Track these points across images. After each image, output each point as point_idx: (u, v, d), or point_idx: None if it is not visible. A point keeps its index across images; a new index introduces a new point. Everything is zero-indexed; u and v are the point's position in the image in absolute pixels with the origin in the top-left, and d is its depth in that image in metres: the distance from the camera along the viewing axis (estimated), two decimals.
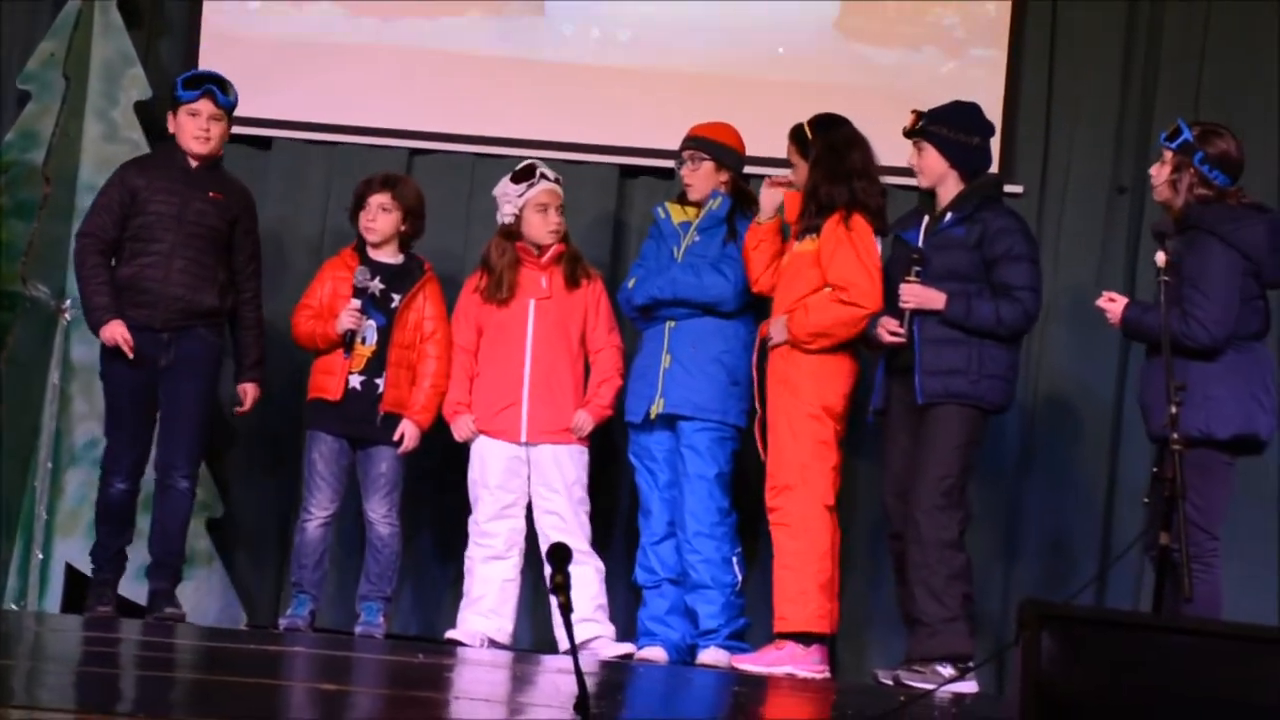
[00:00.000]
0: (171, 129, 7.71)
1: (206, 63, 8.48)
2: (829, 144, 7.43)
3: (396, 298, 7.82)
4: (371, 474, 7.79)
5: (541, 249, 7.77)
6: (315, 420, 7.81)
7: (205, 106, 7.64)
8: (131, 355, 7.47)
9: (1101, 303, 6.93)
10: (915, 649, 7.03)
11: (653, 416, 7.66)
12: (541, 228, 7.75)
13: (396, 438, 7.77)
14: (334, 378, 7.75)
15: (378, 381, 7.76)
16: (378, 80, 8.60)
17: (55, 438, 8.20)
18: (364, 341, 7.78)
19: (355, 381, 7.76)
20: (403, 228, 7.87)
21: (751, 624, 7.69)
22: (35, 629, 6.96)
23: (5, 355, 8.06)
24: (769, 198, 7.55)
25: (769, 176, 7.68)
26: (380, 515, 7.78)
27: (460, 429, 7.78)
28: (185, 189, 7.62)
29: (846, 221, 7.33)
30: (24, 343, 8.15)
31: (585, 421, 7.73)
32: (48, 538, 8.10)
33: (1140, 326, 6.76)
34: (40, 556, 8.12)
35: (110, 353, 7.56)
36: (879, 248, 7.37)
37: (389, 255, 7.88)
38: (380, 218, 7.83)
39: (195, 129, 7.64)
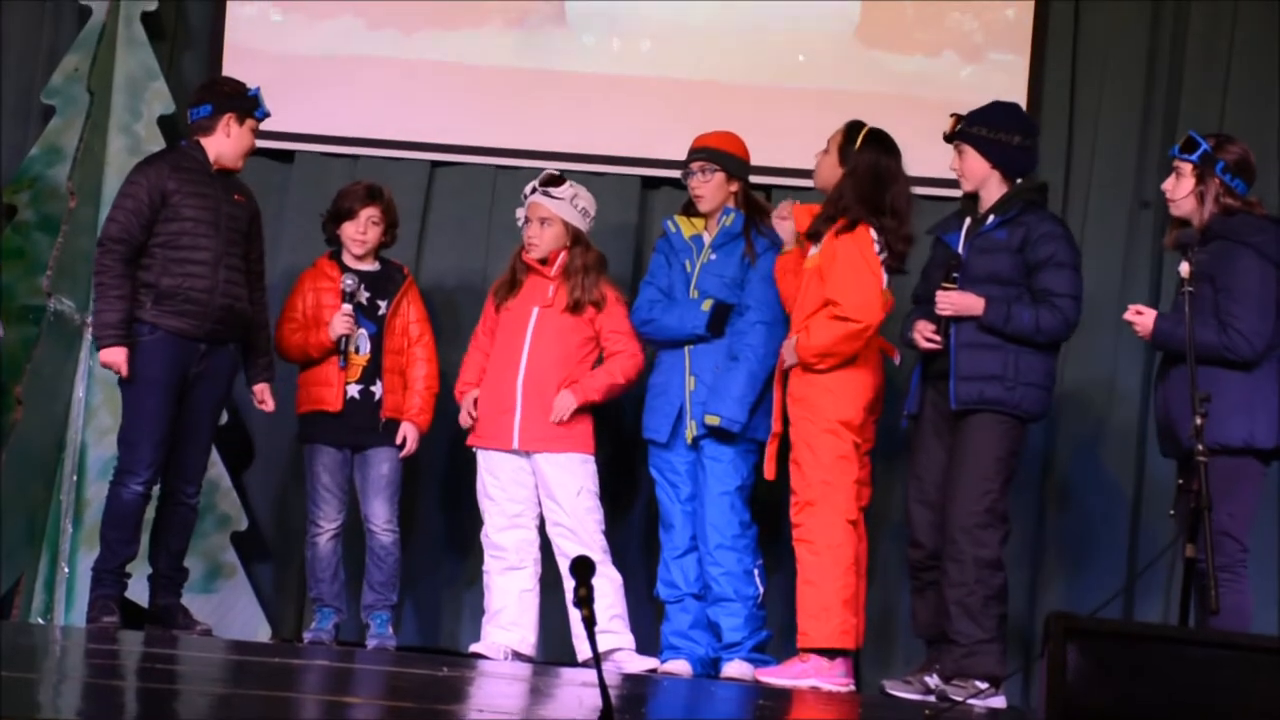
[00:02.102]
0: (221, 131, 7.57)
1: (229, 75, 8.46)
2: (873, 166, 7.31)
3: (383, 304, 7.87)
4: (372, 477, 7.83)
5: (546, 260, 7.77)
6: (315, 433, 7.85)
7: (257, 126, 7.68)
8: (125, 377, 7.43)
9: (1129, 316, 6.87)
10: (949, 667, 6.98)
11: (689, 441, 7.65)
12: (525, 240, 7.79)
13: (399, 441, 7.80)
14: (331, 389, 7.79)
15: (374, 389, 7.81)
16: (399, 92, 8.61)
17: (80, 451, 8.21)
18: (358, 350, 7.82)
19: (354, 391, 7.81)
20: (384, 239, 7.94)
21: (773, 636, 7.69)
22: (62, 643, 6.98)
23: (30, 368, 8.07)
24: (785, 230, 7.49)
25: (774, 209, 7.60)
26: (382, 521, 7.81)
27: (464, 408, 7.80)
28: (216, 192, 7.57)
29: (846, 231, 7.24)
30: (48, 356, 8.16)
31: (566, 401, 7.65)
32: (73, 552, 8.11)
33: (1173, 340, 6.67)
34: (66, 571, 8.13)
35: (147, 351, 7.43)
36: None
37: (369, 264, 7.96)
38: (371, 230, 7.90)
39: (250, 145, 7.65)
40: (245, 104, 7.61)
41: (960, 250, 7.10)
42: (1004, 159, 7.13)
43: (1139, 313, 6.84)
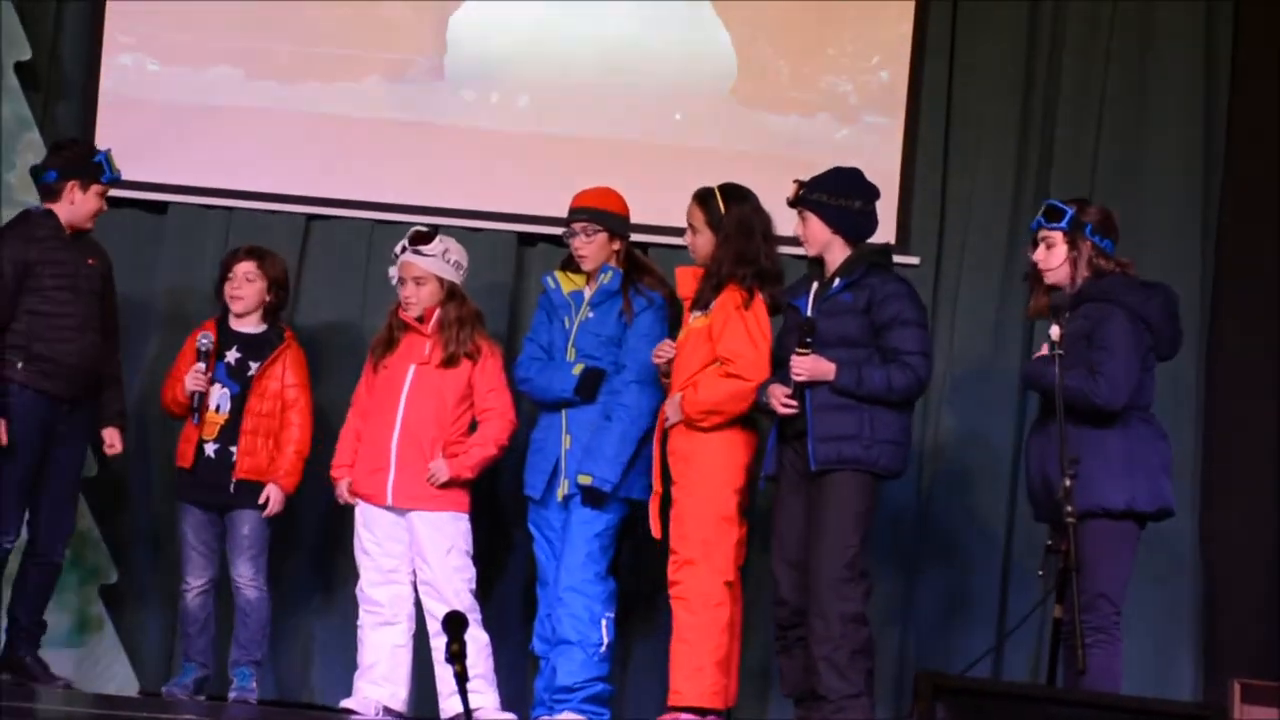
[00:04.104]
0: (67, 198, 7.63)
1: (104, 126, 8.45)
2: (740, 221, 7.42)
3: (254, 365, 7.85)
4: (235, 537, 7.82)
5: (422, 317, 7.77)
6: (180, 490, 7.88)
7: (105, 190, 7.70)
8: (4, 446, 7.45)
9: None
10: None
11: (560, 498, 7.65)
12: (402, 299, 7.78)
13: (261, 500, 7.79)
14: (189, 445, 7.81)
15: (232, 449, 7.79)
16: (276, 144, 8.58)
17: None
18: (217, 410, 7.82)
19: (209, 450, 7.81)
20: (267, 298, 7.91)
21: (615, 691, 7.67)
22: None
23: None
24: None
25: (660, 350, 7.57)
26: (247, 579, 7.80)
27: (339, 492, 7.81)
28: (73, 257, 7.64)
29: (739, 296, 7.33)
30: None
31: (440, 469, 7.64)
32: None
33: (1042, 380, 6.76)
34: None
35: (16, 411, 7.47)
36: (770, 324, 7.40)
37: (251, 325, 7.94)
38: (245, 286, 7.88)
39: (98, 208, 7.68)
40: (90, 170, 7.66)
41: (809, 314, 7.16)
42: (844, 224, 7.21)
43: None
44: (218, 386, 7.82)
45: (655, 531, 7.49)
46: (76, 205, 7.65)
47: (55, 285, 7.56)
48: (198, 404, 7.77)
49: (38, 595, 7.62)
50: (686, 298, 7.53)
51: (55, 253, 7.59)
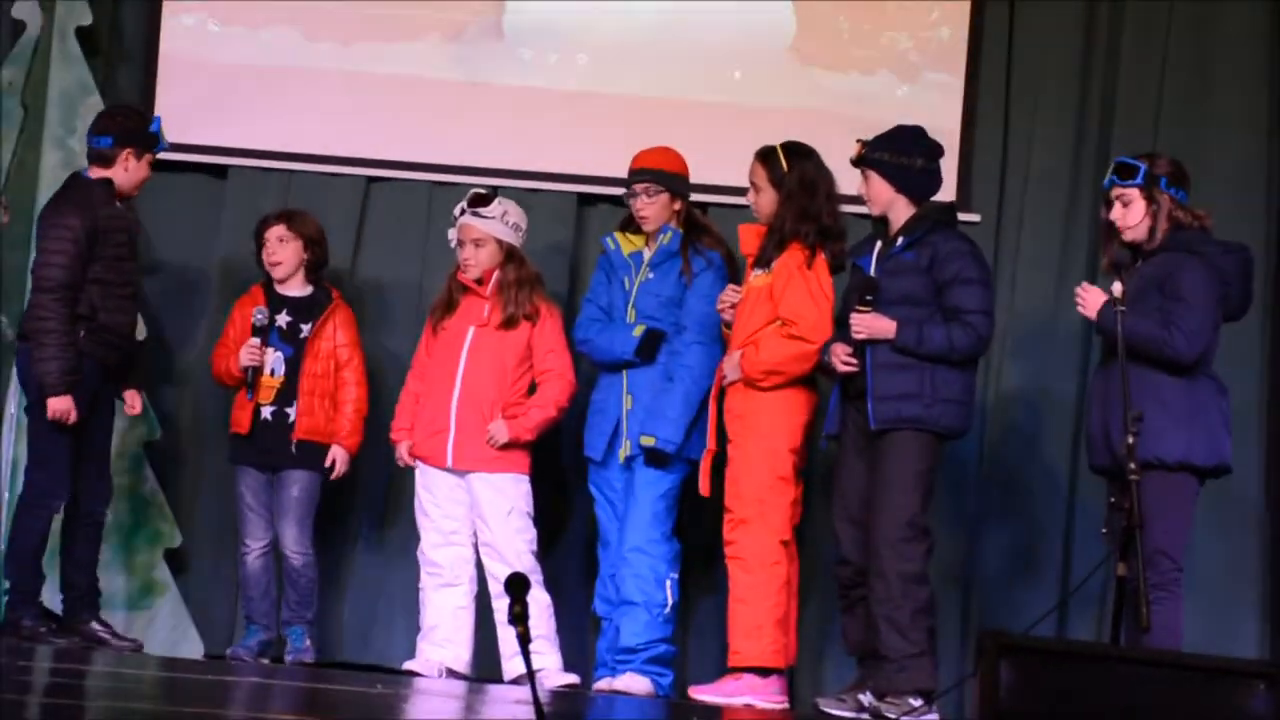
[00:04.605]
0: (120, 165, 7.64)
1: (164, 90, 8.47)
2: (802, 178, 7.40)
3: (305, 328, 7.90)
4: (282, 498, 7.88)
5: (481, 279, 7.77)
6: (235, 455, 7.96)
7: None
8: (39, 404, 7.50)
9: (1079, 290, 6.91)
10: (882, 683, 6.99)
11: (621, 460, 7.66)
12: (460, 262, 7.79)
13: (328, 463, 7.85)
14: (244, 411, 7.87)
15: (288, 411, 7.85)
16: (335, 106, 8.57)
17: (12, 467, 8.15)
18: (272, 373, 7.87)
19: (266, 413, 7.87)
20: (305, 255, 7.93)
21: (678, 652, 7.68)
22: None
23: None
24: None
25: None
26: (290, 542, 7.86)
27: (399, 454, 7.83)
28: (129, 225, 7.70)
29: (802, 255, 7.33)
30: None
31: (500, 431, 7.66)
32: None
33: (1113, 327, 6.65)
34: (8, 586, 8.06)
35: (65, 378, 7.47)
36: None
37: (296, 287, 7.98)
38: (279, 250, 7.93)
39: (146, 176, 7.72)
40: (146, 140, 7.68)
41: (872, 273, 7.14)
42: (907, 183, 7.19)
43: (1086, 289, 6.88)
44: (271, 351, 7.86)
45: (704, 489, 7.49)
46: (130, 173, 7.67)
47: (116, 254, 7.60)
48: (252, 379, 7.82)
49: (88, 557, 7.67)
50: (750, 255, 7.51)
51: (113, 220, 7.62)
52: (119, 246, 7.61)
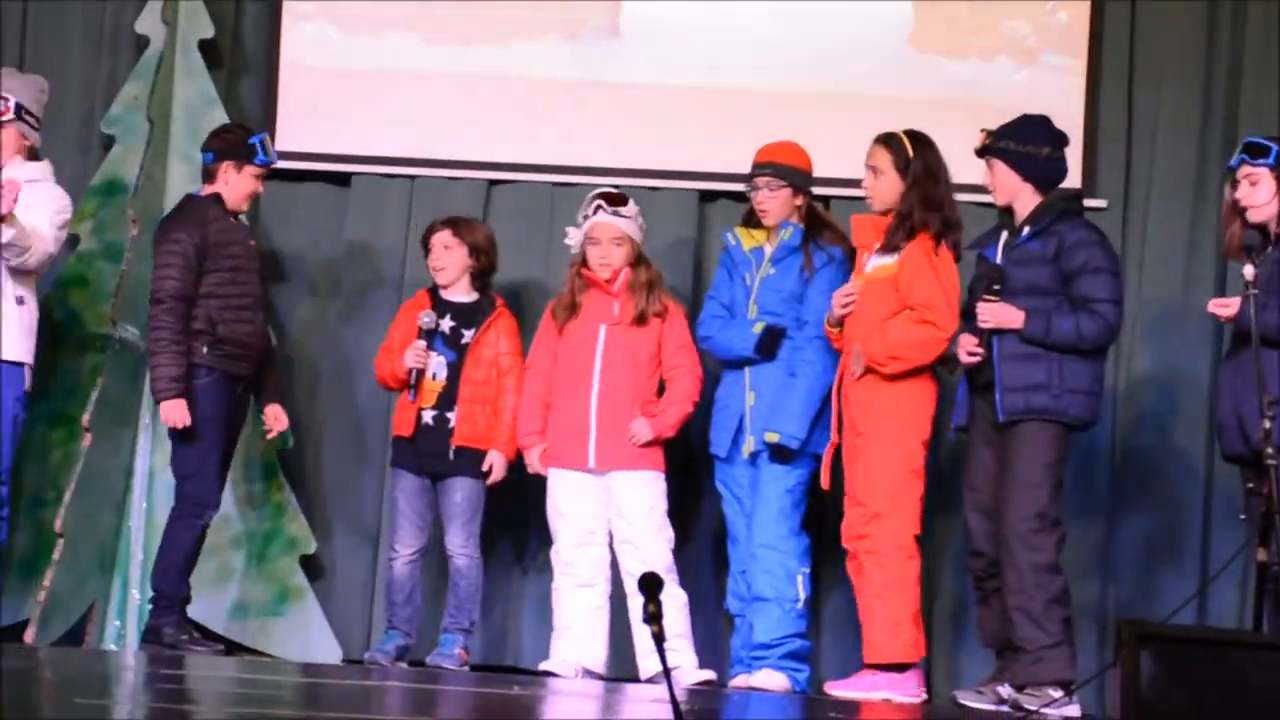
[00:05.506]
0: (221, 179, 7.79)
1: (285, 99, 8.54)
2: (927, 165, 7.37)
3: (468, 334, 7.92)
4: (448, 505, 7.91)
5: (609, 278, 7.79)
6: (395, 457, 8.00)
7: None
8: (181, 430, 7.64)
9: (1213, 308, 6.88)
10: (1019, 675, 6.95)
11: (745, 455, 7.65)
12: (594, 261, 7.80)
13: (485, 468, 7.86)
14: (407, 414, 7.91)
15: (449, 416, 7.87)
16: (455, 110, 8.62)
17: (149, 477, 8.26)
18: (434, 377, 7.90)
19: (427, 417, 7.89)
20: (470, 262, 7.96)
21: (813, 647, 7.66)
22: (134, 669, 7.01)
23: (96, 396, 8.12)
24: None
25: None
26: (458, 546, 7.88)
27: (530, 461, 7.85)
28: (241, 238, 7.84)
29: (929, 244, 7.30)
30: (114, 384, 8.19)
31: (643, 429, 7.69)
32: (144, 578, 8.14)
33: (1244, 319, 6.60)
34: (137, 597, 8.17)
35: (207, 393, 7.67)
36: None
37: (461, 293, 8.00)
38: (444, 256, 7.96)
39: (253, 190, 7.85)
40: (244, 151, 7.79)
41: (999, 263, 7.10)
42: (1034, 172, 7.14)
43: (1224, 305, 6.81)
44: (434, 355, 7.90)
45: (824, 483, 7.48)
46: (231, 186, 7.78)
47: (231, 266, 7.74)
48: (415, 380, 7.86)
49: (194, 565, 7.80)
50: (864, 247, 7.47)
51: (226, 234, 7.76)
52: (234, 259, 7.74)
